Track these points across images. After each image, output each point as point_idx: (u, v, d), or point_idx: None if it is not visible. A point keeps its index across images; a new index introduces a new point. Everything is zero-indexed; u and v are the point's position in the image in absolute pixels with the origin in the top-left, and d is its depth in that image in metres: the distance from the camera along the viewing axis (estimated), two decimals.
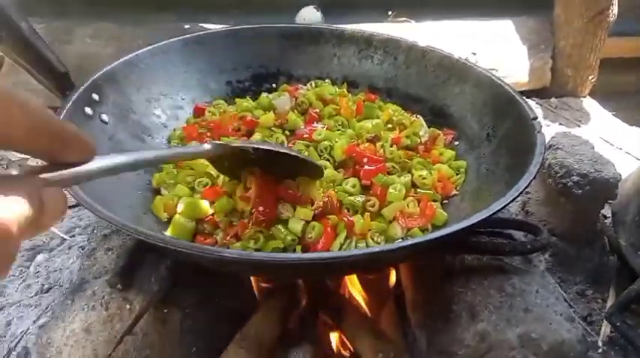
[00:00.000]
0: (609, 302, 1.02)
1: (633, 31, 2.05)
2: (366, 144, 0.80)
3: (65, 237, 1.12)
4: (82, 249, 1.04)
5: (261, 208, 0.65)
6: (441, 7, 1.85)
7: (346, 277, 0.84)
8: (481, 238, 0.77)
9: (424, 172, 0.78)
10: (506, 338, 0.67)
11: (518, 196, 0.60)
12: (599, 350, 0.95)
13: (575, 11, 1.68)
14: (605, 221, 1.15)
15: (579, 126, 1.65)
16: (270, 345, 0.71)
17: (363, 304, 0.81)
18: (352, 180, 0.74)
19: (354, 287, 0.83)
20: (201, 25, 1.68)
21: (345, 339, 0.77)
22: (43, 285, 1.00)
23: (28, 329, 0.90)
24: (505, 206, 0.59)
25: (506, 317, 0.69)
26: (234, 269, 0.59)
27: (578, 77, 1.78)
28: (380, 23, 1.73)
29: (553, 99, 1.78)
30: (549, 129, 1.61)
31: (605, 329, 0.98)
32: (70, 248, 1.08)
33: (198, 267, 0.70)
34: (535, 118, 0.76)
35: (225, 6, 1.82)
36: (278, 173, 0.68)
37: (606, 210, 1.15)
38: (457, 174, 0.82)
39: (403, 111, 0.93)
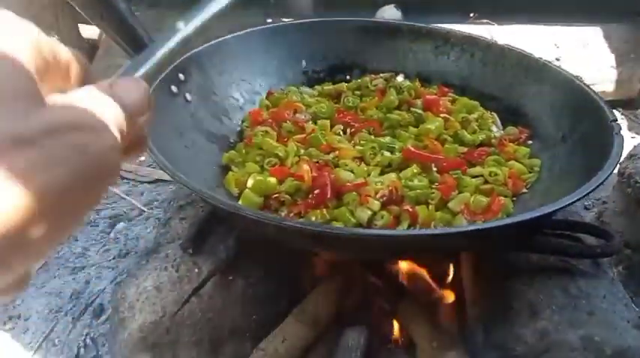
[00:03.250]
0: None
1: None
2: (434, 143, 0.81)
3: (144, 208, 1.20)
4: (159, 221, 1.11)
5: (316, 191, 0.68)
6: (524, 11, 1.80)
7: (406, 268, 0.85)
8: (549, 239, 0.76)
9: (495, 168, 0.77)
10: (567, 339, 0.65)
11: (588, 193, 0.58)
12: None
13: None
14: None
15: None
16: (326, 322, 0.73)
17: (421, 296, 0.81)
18: (419, 178, 0.74)
19: (413, 277, 0.84)
20: (283, 20, 1.74)
21: (401, 326, 0.78)
22: (121, 250, 1.08)
23: (105, 288, 0.98)
24: (574, 201, 0.57)
25: (569, 319, 0.67)
26: (293, 242, 0.61)
27: None
28: (460, 24, 1.71)
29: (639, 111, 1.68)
30: (634, 142, 1.53)
31: None
32: (147, 219, 1.16)
33: (264, 242, 0.74)
34: (614, 120, 0.73)
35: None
36: None
37: None
38: (530, 173, 0.80)
39: (479, 106, 0.92)
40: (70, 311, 0.94)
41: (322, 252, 0.72)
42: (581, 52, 1.69)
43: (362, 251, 0.60)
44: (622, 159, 1.08)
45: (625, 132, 1.60)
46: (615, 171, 1.10)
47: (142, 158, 1.41)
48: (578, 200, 0.57)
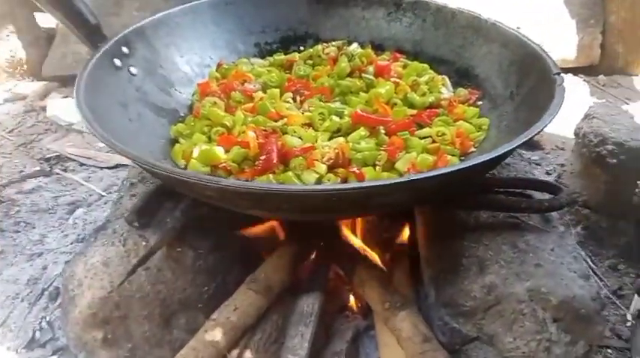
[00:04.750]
0: None
1: None
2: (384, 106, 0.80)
3: (103, 193, 1.18)
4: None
5: (262, 157, 0.67)
6: None
7: (359, 234, 0.85)
8: (498, 196, 0.76)
9: (442, 128, 0.77)
10: (515, 292, 0.66)
11: (525, 141, 0.59)
12: (628, 324, 0.91)
13: None
14: None
15: (628, 104, 1.57)
16: (279, 290, 0.73)
17: (375, 259, 0.81)
18: (366, 140, 0.74)
19: (367, 243, 0.84)
20: None
21: (356, 291, 0.78)
22: (79, 235, 1.06)
23: (61, 272, 0.96)
24: (509, 151, 0.58)
25: (516, 272, 0.67)
26: (233, 204, 0.60)
27: (629, 54, 1.69)
28: None
29: (601, 77, 1.70)
30: None
31: (636, 303, 0.94)
32: (106, 203, 1.14)
33: (212, 213, 0.73)
34: (558, 73, 0.73)
35: None
36: None
37: None
38: (478, 132, 0.80)
39: (428, 69, 0.92)
40: (27, 297, 0.92)
41: (265, 214, 0.72)
42: (542, 19, 1.69)
43: (299, 210, 0.60)
44: (578, 120, 1.10)
45: (587, 97, 1.61)
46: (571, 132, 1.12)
47: (102, 144, 1.39)
48: (511, 152, 0.58)
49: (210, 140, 0.77)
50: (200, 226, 0.74)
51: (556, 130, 1.37)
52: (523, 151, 1.04)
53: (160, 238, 0.69)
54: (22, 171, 1.28)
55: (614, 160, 0.98)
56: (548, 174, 1.28)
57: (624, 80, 1.70)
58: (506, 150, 0.57)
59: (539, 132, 0.61)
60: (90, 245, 0.73)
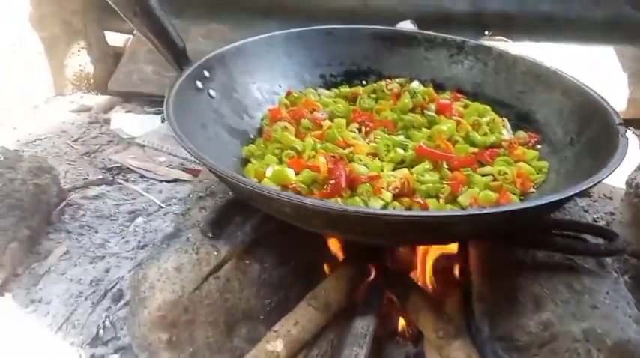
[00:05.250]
0: None
1: None
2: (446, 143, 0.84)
3: (162, 205, 1.24)
4: (177, 215, 1.15)
5: (331, 181, 0.72)
6: (538, 30, 1.84)
7: (415, 264, 0.88)
8: (555, 237, 0.79)
9: (504, 167, 0.80)
10: (570, 330, 0.67)
11: (592, 186, 0.61)
12: None
13: None
14: None
15: None
16: (337, 309, 0.76)
17: (429, 288, 0.84)
18: (430, 173, 0.78)
19: (422, 272, 0.86)
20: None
21: (409, 317, 0.80)
22: (139, 242, 1.12)
23: (124, 276, 1.01)
24: (574, 195, 0.60)
25: (572, 311, 0.69)
26: (308, 223, 0.64)
27: None
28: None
29: None
30: None
31: None
32: (165, 214, 1.20)
33: (280, 230, 0.77)
34: (621, 123, 0.76)
35: (327, 18, 1.92)
36: None
37: None
38: (538, 174, 0.83)
39: (490, 110, 0.95)
40: (90, 297, 0.98)
41: (335, 234, 0.75)
42: (594, 72, 1.72)
43: (371, 233, 0.63)
44: (630, 170, 1.12)
45: (637, 151, 1.62)
46: (623, 182, 1.13)
47: (162, 158, 1.46)
48: (579, 194, 0.60)
49: (280, 161, 0.82)
50: (267, 242, 0.78)
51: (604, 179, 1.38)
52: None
53: (231, 250, 0.74)
54: (85, 178, 1.35)
55: None
56: (595, 221, 1.28)
57: None
58: (577, 191, 0.60)
59: (604, 178, 0.63)
60: (163, 250, 0.78)
